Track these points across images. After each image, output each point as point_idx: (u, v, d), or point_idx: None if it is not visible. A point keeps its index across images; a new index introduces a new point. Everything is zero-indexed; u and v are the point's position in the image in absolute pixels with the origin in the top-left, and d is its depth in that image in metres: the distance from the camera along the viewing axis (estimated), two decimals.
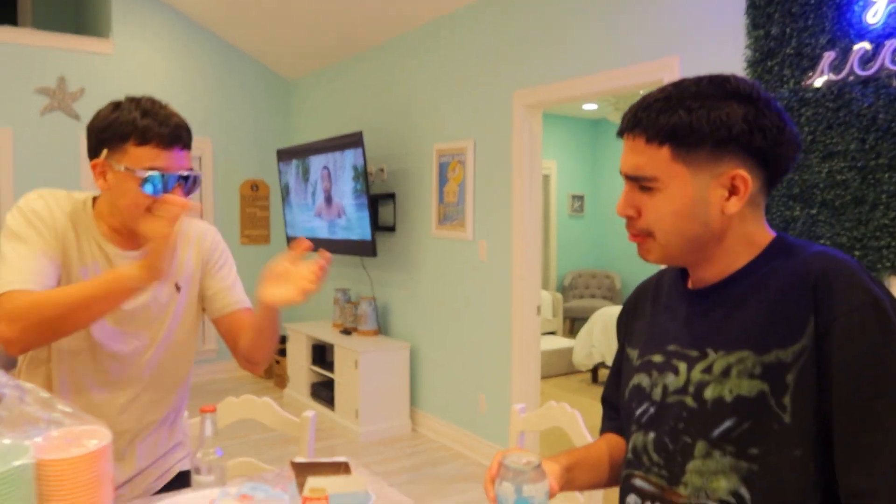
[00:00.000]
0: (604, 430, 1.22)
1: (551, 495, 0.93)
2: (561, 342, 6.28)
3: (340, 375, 4.52)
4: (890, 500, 0.78)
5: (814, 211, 2.30)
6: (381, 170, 4.83)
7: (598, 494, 1.63)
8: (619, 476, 1.09)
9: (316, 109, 5.77)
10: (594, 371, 5.82)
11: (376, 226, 4.78)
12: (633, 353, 1.09)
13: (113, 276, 1.25)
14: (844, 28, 2.20)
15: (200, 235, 1.56)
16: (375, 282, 4.95)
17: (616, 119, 5.69)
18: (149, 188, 1.29)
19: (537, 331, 3.73)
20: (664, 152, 0.91)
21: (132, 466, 1.50)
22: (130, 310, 1.41)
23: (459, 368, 4.16)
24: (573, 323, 7.70)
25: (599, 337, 5.59)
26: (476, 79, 3.96)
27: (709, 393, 0.92)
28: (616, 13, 3.08)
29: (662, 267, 1.13)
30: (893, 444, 0.78)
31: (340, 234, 4.78)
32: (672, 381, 0.98)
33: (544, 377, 5.86)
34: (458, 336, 4.16)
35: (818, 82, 2.27)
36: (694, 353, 0.96)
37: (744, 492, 0.88)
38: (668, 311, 1.05)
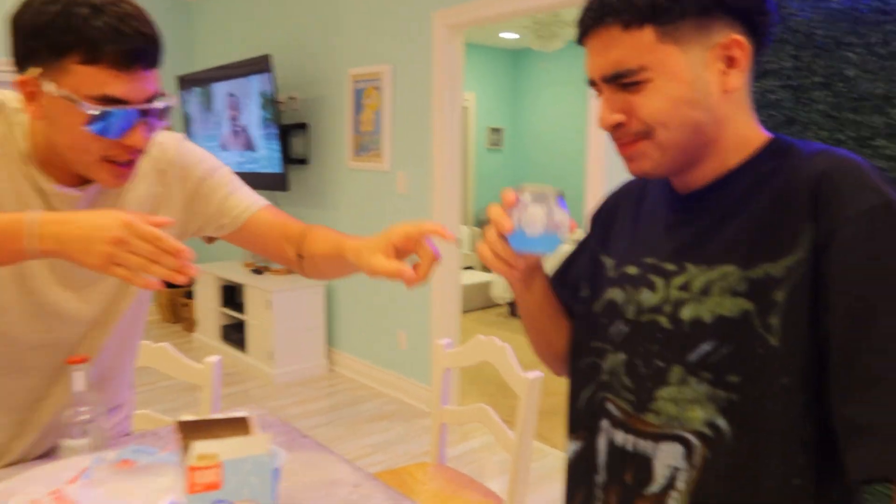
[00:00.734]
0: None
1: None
2: (479, 276, 6.23)
3: (252, 317, 4.29)
4: (889, 433, 0.66)
5: None
6: (292, 98, 4.50)
7: (531, 427, 1.52)
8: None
9: (220, 32, 5.31)
10: (512, 304, 5.81)
11: (288, 158, 4.48)
12: (610, 263, 0.95)
13: (11, 219, 0.88)
14: None
15: (159, 160, 1.15)
16: None
17: (539, 47, 5.51)
18: (99, 128, 0.93)
19: (457, 264, 3.61)
20: (647, 34, 0.76)
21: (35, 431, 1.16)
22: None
23: (378, 305, 4.01)
24: None
25: None
26: None
27: (686, 313, 0.79)
28: None
29: None
30: None
31: (248, 167, 4.46)
32: (647, 297, 0.85)
33: (463, 312, 5.81)
34: None
35: None
36: (671, 267, 0.83)
37: (721, 423, 0.76)
38: (650, 218, 0.91)
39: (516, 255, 0.84)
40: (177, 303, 5.50)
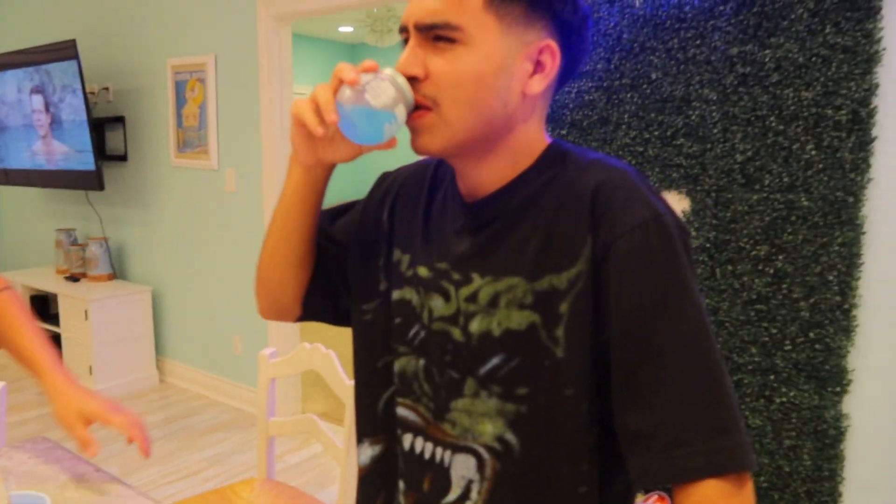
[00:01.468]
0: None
1: None
2: None
3: (68, 329, 3.90)
4: (668, 439, 0.69)
5: (564, 131, 2.32)
6: (106, 89, 4.12)
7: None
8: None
9: (18, 13, 4.74)
10: None
11: (104, 154, 4.10)
12: (402, 258, 0.89)
13: None
14: None
15: None
16: (106, 219, 4.29)
17: (374, 42, 5.47)
18: None
19: None
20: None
21: None
22: None
23: (210, 310, 3.79)
24: None
25: None
26: None
27: (475, 326, 0.78)
28: None
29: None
30: (674, 379, 0.69)
31: (58, 165, 4.03)
32: (440, 306, 0.82)
33: None
34: (206, 275, 3.76)
35: None
36: (457, 276, 0.81)
37: (510, 437, 0.76)
38: (440, 218, 0.87)
39: (335, 111, 0.73)
40: None
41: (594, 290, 0.72)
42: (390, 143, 0.76)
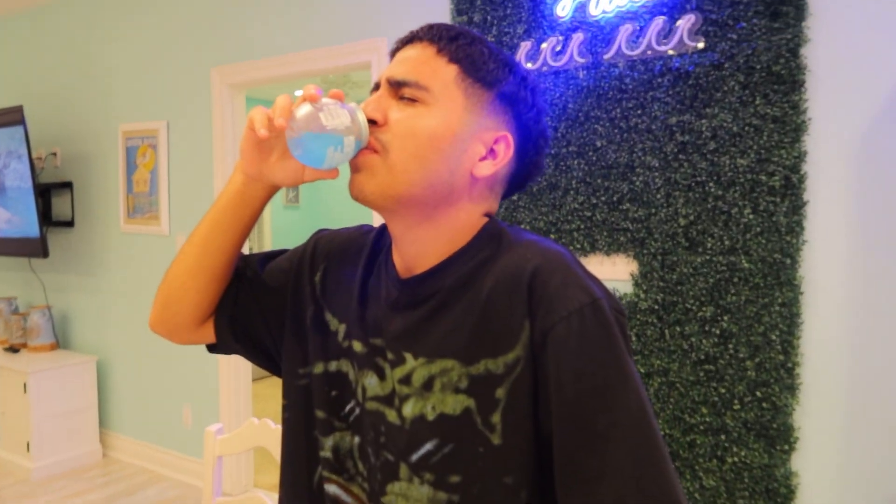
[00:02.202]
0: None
1: None
2: None
3: (5, 403, 3.71)
4: None
5: (514, 197, 2.37)
6: (54, 154, 4.06)
7: None
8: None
9: None
10: None
11: (49, 220, 4.01)
12: (339, 326, 0.87)
13: None
14: (538, 19, 2.29)
15: None
16: (50, 287, 4.16)
17: None
18: None
19: None
20: (451, 70, 0.78)
21: None
22: None
23: (159, 380, 3.67)
24: None
25: None
26: (168, 51, 3.49)
27: (409, 409, 0.76)
28: None
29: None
30: (616, 464, 0.68)
31: (1, 232, 3.91)
32: (375, 384, 0.80)
33: (259, 378, 5.52)
34: (155, 344, 3.65)
35: None
36: (391, 356, 0.79)
37: None
38: (376, 292, 0.85)
39: (286, 119, 0.72)
40: None
41: (533, 377, 0.71)
42: (331, 173, 0.76)
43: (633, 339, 2.15)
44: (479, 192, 0.80)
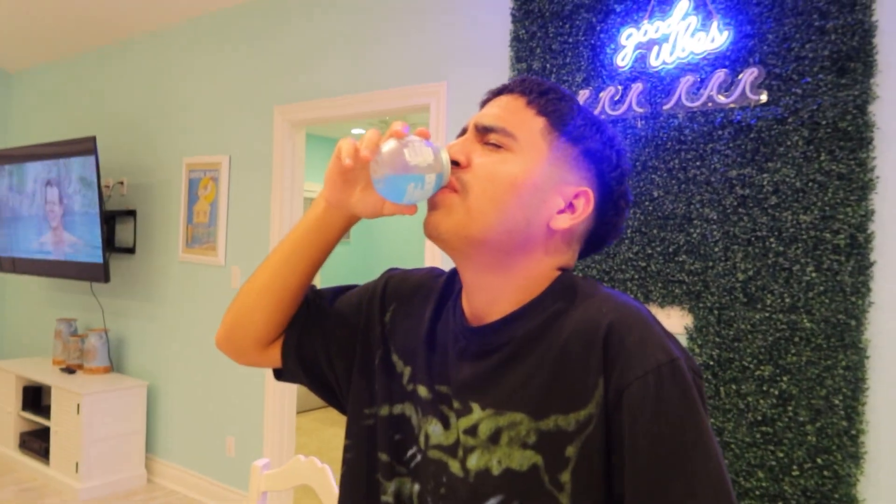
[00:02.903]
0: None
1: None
2: None
3: (58, 423, 3.81)
4: None
5: None
6: (121, 183, 4.23)
7: None
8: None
9: (43, 108, 4.94)
10: None
11: (112, 246, 4.16)
12: (404, 369, 0.86)
13: None
14: (598, 68, 2.30)
15: None
16: (108, 311, 4.29)
17: None
18: None
19: None
20: (539, 122, 0.79)
21: None
22: None
23: (205, 408, 3.72)
24: None
25: None
26: (234, 89, 3.62)
27: (473, 461, 0.74)
28: (384, 34, 2.98)
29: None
30: None
31: (65, 255, 4.07)
32: (439, 432, 0.79)
33: (303, 411, 5.54)
34: (205, 372, 3.71)
35: None
36: (457, 405, 0.78)
37: None
38: (444, 337, 0.85)
39: (372, 152, 0.73)
40: None
41: (605, 436, 0.69)
42: (410, 209, 0.77)
43: None
44: (556, 245, 0.80)
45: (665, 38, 2.16)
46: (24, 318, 5.05)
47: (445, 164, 0.75)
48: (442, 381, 0.81)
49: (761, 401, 1.97)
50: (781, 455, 1.93)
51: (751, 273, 2.01)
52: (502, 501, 0.72)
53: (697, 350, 2.08)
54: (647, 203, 2.19)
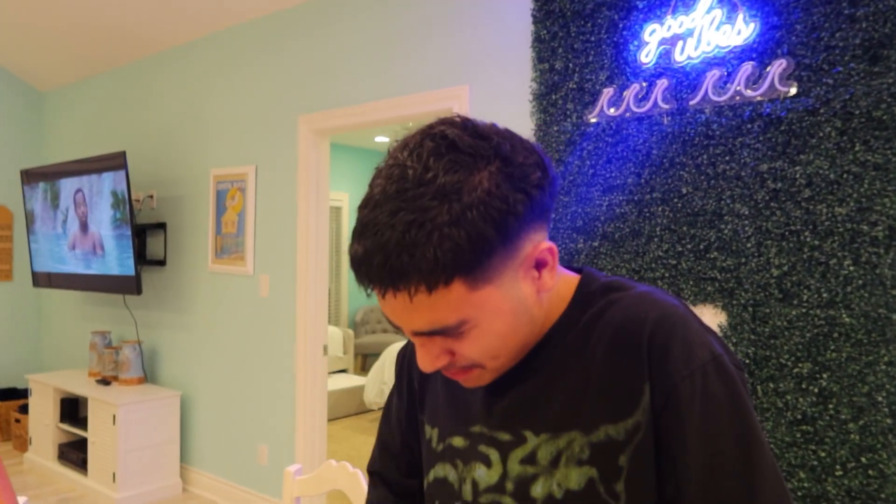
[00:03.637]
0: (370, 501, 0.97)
1: None
2: (352, 380, 6.04)
3: (95, 434, 3.87)
4: None
5: (595, 243, 2.33)
6: (150, 196, 4.30)
7: None
8: None
9: (74, 125, 5.05)
10: None
11: (144, 259, 4.22)
12: (432, 432, 0.85)
13: None
14: (621, 66, 2.27)
15: None
16: (141, 323, 4.36)
17: None
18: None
19: (324, 372, 3.46)
20: (456, 289, 0.64)
21: None
22: None
23: (238, 417, 3.75)
24: (365, 359, 7.50)
25: (391, 373, 5.43)
26: (258, 100, 3.66)
27: (539, 490, 0.71)
28: (405, 40, 2.99)
29: None
30: None
31: (98, 269, 4.15)
32: (483, 474, 0.76)
33: (335, 418, 5.57)
34: (236, 381, 3.74)
35: (598, 117, 2.31)
36: (505, 437, 0.74)
37: None
38: None
39: None
40: (9, 418, 4.90)
41: (654, 441, 0.67)
42: None
43: None
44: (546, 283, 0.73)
45: (689, 33, 2.13)
46: (60, 331, 5.15)
47: None
48: (475, 421, 0.78)
49: (801, 399, 1.92)
50: (823, 455, 1.88)
51: (786, 268, 1.96)
52: None
53: (733, 348, 2.03)
54: (675, 200, 2.15)
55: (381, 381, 5.48)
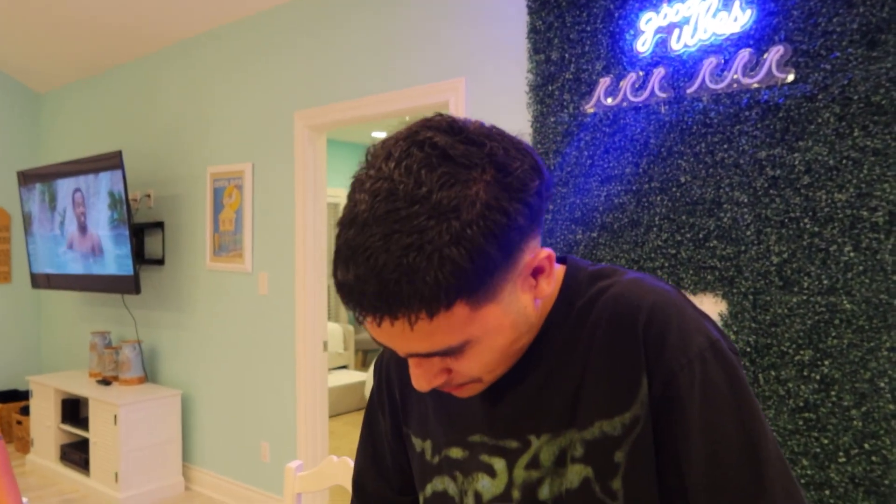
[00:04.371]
0: None
1: None
2: (353, 376, 6.04)
3: (97, 434, 3.86)
4: None
5: (594, 234, 2.32)
6: (148, 195, 4.28)
7: None
8: None
9: (71, 126, 5.03)
10: None
11: (142, 259, 4.21)
12: (423, 445, 0.82)
13: None
14: (618, 55, 2.26)
15: None
16: (141, 322, 4.35)
17: None
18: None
19: (324, 368, 3.45)
20: (459, 311, 0.61)
21: None
22: None
23: (239, 415, 3.74)
24: (365, 355, 7.50)
25: None
26: (254, 97, 3.64)
27: (545, 492, 0.69)
28: (400, 34, 2.97)
29: None
30: None
31: (96, 269, 4.13)
32: (487, 485, 0.73)
33: (335, 415, 5.57)
34: (237, 379, 3.74)
35: (595, 107, 2.30)
36: (513, 445, 0.72)
37: None
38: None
39: None
40: (10, 420, 4.89)
41: (653, 434, 0.65)
42: None
43: None
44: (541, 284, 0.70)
45: (686, 21, 2.12)
46: (60, 332, 5.14)
47: None
48: (473, 430, 0.76)
49: (802, 386, 1.91)
50: (826, 442, 1.87)
51: (785, 256, 1.95)
52: None
53: (733, 336, 2.03)
54: (674, 189, 2.14)
55: None
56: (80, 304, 4.90)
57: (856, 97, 1.84)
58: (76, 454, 4.06)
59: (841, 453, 1.85)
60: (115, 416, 3.70)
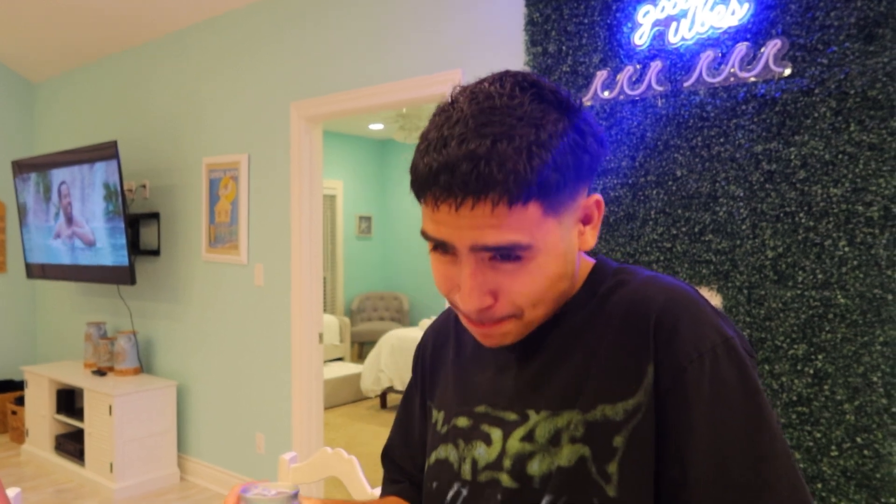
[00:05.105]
0: (385, 493, 0.97)
1: None
2: (349, 368, 6.04)
3: (91, 424, 3.87)
4: None
5: None
6: (143, 186, 4.27)
7: None
8: None
9: (66, 116, 5.01)
10: (383, 396, 5.65)
11: (137, 249, 4.20)
12: (438, 416, 0.85)
13: None
14: (615, 48, 2.25)
15: None
16: (136, 313, 4.34)
17: (402, 139, 5.62)
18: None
19: (320, 360, 3.45)
20: (533, 210, 0.64)
21: None
22: None
23: (234, 406, 3.74)
24: (362, 347, 7.51)
25: (387, 360, 5.43)
26: (250, 88, 3.63)
27: (535, 467, 0.71)
28: (397, 25, 2.96)
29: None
30: None
31: (91, 260, 4.12)
32: (483, 452, 0.76)
33: (331, 407, 5.58)
34: (232, 370, 3.74)
35: (592, 100, 2.30)
36: (511, 417, 0.74)
37: None
38: (475, 359, 0.82)
39: None
40: (5, 410, 4.89)
41: (657, 423, 0.66)
42: None
43: None
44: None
45: (683, 14, 2.11)
46: (55, 323, 5.13)
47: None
48: (480, 401, 0.79)
49: (796, 380, 1.92)
50: (819, 435, 1.88)
51: (780, 250, 1.95)
52: (550, 501, 0.69)
53: None
54: (670, 183, 2.14)
55: (377, 368, 5.48)
56: (75, 295, 4.89)
57: (852, 92, 1.84)
58: (71, 444, 4.06)
59: (833, 447, 1.86)
60: (111, 407, 3.70)
